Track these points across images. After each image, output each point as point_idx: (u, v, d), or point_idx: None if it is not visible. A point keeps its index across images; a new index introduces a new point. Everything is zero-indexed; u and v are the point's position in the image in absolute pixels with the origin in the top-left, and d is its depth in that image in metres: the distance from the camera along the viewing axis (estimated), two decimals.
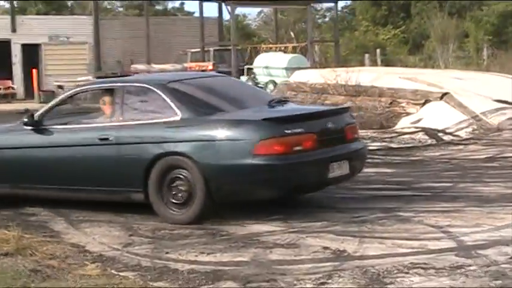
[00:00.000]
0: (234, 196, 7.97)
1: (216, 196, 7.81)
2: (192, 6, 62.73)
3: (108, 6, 54.87)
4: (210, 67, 34.79)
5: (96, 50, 39.52)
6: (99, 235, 7.61)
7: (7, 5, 43.94)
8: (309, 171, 7.93)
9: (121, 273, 6.13)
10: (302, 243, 6.83)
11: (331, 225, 7.52)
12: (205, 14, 39.43)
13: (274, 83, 31.71)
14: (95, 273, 6.12)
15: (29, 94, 36.22)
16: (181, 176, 7.91)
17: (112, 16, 48.51)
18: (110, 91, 8.94)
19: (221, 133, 7.81)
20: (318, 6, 50.96)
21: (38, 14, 45.50)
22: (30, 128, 9.06)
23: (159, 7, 56.31)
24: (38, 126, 9.02)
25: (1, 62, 38.22)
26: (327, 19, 55.88)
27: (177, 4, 58.94)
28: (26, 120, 9.09)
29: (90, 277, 5.98)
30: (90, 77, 31.02)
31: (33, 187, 9.01)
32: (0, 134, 9.54)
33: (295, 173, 7.78)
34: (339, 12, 46.27)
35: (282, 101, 9.14)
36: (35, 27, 39.41)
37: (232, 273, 6.01)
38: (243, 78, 35.95)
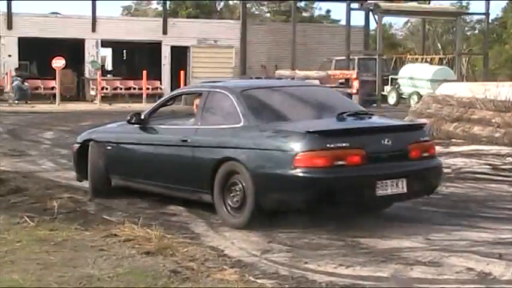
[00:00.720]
0: (276, 205, 8.06)
1: (262, 204, 7.94)
2: (337, 14, 62.69)
3: (256, 12, 55.58)
4: (354, 75, 34.58)
5: (242, 54, 40.11)
6: (238, 240, 7.64)
7: (160, 7, 45.28)
8: (351, 187, 7.78)
9: (259, 281, 6.09)
10: (445, 262, 6.61)
11: (475, 245, 7.25)
12: (351, 23, 39.21)
13: (419, 95, 31.19)
14: (233, 278, 6.11)
15: None
16: (237, 182, 8.11)
17: (259, 21, 49.10)
18: (199, 95, 9.38)
19: (269, 142, 7.96)
20: (468, 18, 49.74)
21: (188, 17, 46.66)
22: (136, 126, 9.66)
23: (305, 14, 56.55)
24: (143, 124, 9.63)
25: (152, 63, 39.51)
26: (476, 31, 54.47)
27: (323, 12, 59.11)
28: (129, 118, 9.68)
29: (228, 282, 5.99)
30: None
31: (134, 180, 9.68)
32: (114, 132, 10.29)
33: (335, 187, 7.70)
34: (489, 25, 45.02)
35: (359, 114, 8.70)
36: (184, 30, 40.46)
37: None
38: (387, 88, 35.60)
